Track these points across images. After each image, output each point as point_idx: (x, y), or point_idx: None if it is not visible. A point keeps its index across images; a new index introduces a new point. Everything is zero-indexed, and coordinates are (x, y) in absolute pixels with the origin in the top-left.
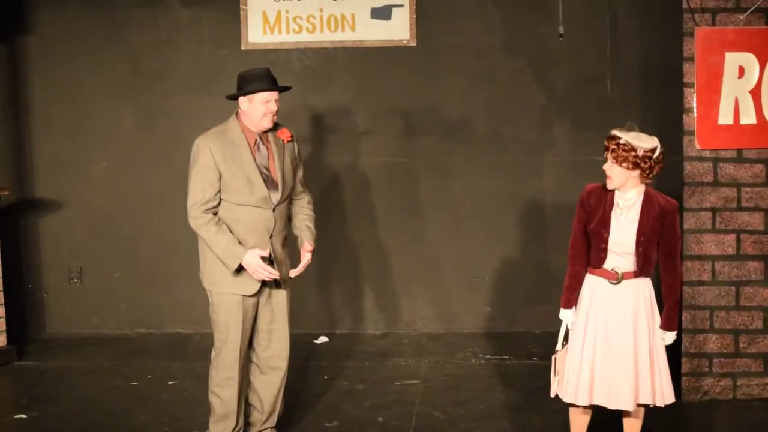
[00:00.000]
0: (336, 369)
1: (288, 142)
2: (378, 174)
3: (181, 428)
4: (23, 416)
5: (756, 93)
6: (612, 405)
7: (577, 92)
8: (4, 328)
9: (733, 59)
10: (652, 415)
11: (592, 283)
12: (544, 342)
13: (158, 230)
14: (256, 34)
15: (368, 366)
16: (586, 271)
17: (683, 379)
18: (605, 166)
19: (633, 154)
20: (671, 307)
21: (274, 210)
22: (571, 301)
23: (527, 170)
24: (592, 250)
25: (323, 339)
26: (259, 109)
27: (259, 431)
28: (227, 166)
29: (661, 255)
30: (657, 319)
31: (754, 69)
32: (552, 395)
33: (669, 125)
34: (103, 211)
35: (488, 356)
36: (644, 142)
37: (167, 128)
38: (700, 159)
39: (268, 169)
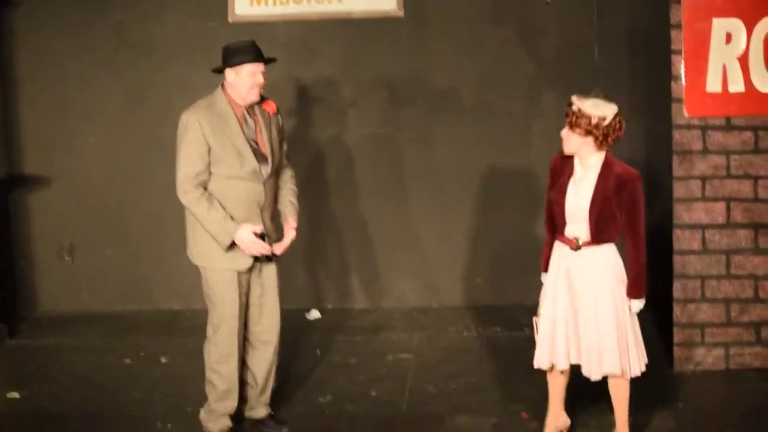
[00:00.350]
0: (328, 344)
1: (273, 114)
2: (365, 146)
3: (173, 405)
4: (15, 395)
5: (744, 60)
6: (584, 371)
7: (565, 60)
8: None
9: (720, 25)
10: (644, 386)
11: (558, 248)
12: (535, 313)
13: (148, 205)
14: (243, 6)
15: (360, 340)
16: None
17: (675, 349)
18: (562, 132)
19: (586, 120)
20: (635, 276)
21: (264, 183)
22: (547, 266)
23: (515, 140)
24: (555, 217)
25: (315, 314)
26: (246, 81)
27: (253, 407)
28: (217, 139)
29: (623, 225)
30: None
31: (741, 35)
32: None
33: (657, 93)
34: (92, 187)
35: (480, 329)
36: (600, 109)
37: (155, 102)
38: (689, 127)
39: (256, 142)
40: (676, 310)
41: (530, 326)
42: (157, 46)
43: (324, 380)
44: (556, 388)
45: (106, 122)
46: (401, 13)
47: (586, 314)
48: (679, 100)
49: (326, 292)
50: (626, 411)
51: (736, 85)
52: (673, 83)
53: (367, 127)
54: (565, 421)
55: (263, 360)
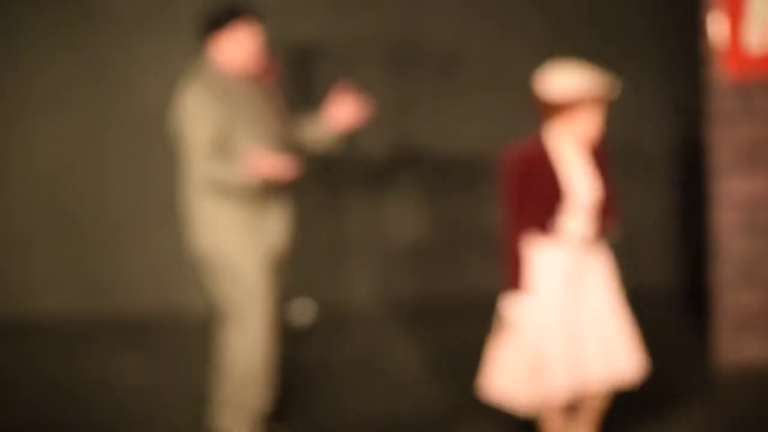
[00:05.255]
0: (324, 337)
1: (273, 78)
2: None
3: (146, 406)
4: None
5: None
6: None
7: (580, 17)
8: None
9: None
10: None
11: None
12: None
13: (107, 194)
14: None
15: (357, 331)
16: None
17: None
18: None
19: None
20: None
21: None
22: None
23: (524, 109)
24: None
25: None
26: (237, 46)
27: None
28: (226, 117)
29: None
30: None
31: None
32: None
33: (687, 54)
34: (48, 178)
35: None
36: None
37: (115, 79)
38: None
39: (266, 112)
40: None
41: None
42: (110, 20)
43: (322, 374)
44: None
45: (62, 110)
46: None
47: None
48: (715, 61)
49: (320, 283)
50: None
51: None
52: (707, 42)
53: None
54: None
55: None
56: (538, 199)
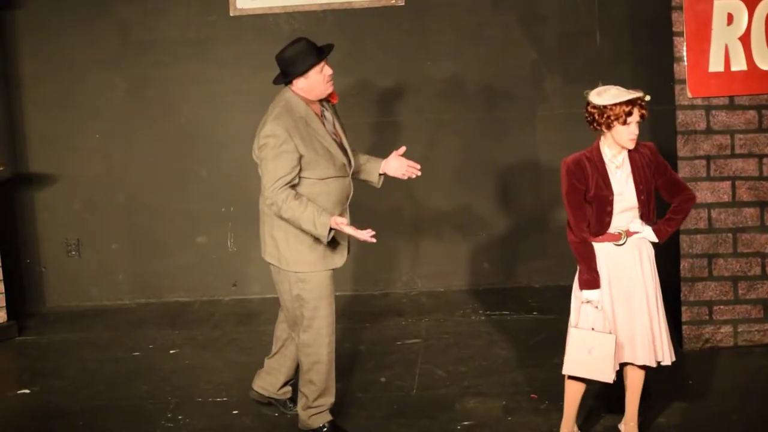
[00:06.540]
0: (337, 331)
1: (335, 103)
2: (371, 134)
3: (184, 396)
4: (26, 391)
5: (745, 39)
6: (638, 360)
7: (567, 46)
8: (4, 303)
9: (721, 6)
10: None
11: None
12: (544, 296)
13: (153, 199)
14: None
15: (369, 327)
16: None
17: (684, 327)
18: (636, 128)
19: None
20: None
21: (350, 176)
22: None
23: (520, 126)
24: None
25: None
26: (317, 79)
27: (283, 384)
28: (307, 144)
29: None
30: None
31: (743, 15)
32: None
33: (660, 75)
34: (97, 183)
35: (488, 312)
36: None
37: (158, 97)
38: (692, 107)
39: (336, 135)
40: (684, 289)
41: (539, 309)
42: (159, 43)
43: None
44: (577, 395)
45: (110, 119)
46: (402, 2)
47: (639, 303)
48: (682, 81)
49: (335, 280)
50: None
51: (739, 65)
52: (675, 65)
53: (371, 117)
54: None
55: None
56: (590, 201)
